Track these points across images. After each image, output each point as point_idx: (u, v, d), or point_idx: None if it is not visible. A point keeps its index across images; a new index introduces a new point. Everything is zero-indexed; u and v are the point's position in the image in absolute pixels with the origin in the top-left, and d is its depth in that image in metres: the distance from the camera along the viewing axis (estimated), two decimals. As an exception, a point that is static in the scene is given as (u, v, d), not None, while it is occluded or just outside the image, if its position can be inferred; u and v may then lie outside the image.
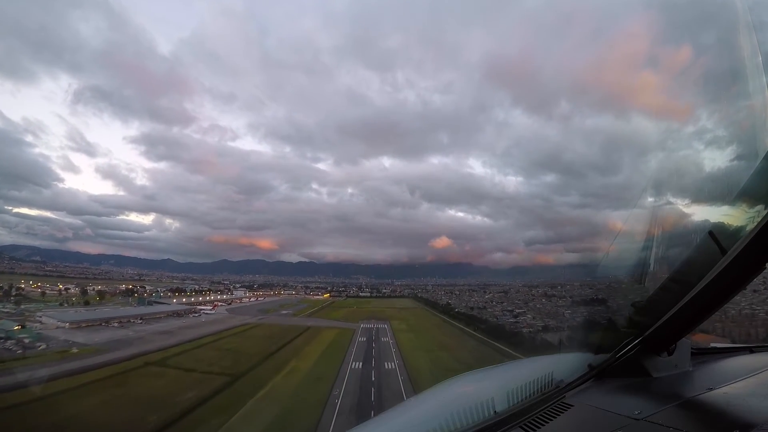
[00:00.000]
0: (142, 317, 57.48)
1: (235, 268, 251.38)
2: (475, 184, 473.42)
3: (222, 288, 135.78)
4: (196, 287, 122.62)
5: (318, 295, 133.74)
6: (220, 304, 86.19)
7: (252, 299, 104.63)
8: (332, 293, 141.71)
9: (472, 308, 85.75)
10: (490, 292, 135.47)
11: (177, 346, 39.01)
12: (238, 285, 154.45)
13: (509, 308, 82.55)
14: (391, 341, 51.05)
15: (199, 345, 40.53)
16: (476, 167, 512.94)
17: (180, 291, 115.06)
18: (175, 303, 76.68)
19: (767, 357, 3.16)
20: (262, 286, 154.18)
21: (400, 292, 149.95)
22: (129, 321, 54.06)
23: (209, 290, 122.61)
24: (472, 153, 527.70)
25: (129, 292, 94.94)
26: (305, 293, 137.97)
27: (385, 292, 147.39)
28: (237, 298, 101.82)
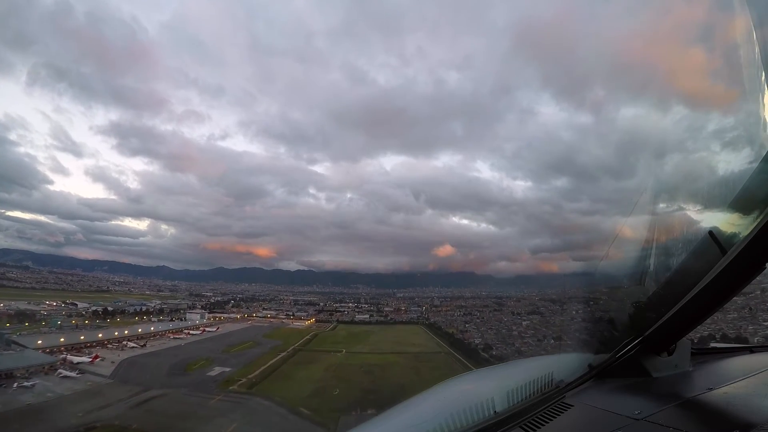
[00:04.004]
0: None
1: (231, 276, 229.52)
2: (481, 188, 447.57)
3: (188, 305, 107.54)
4: (144, 308, 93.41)
5: (302, 318, 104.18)
6: (131, 345, 57.52)
7: (197, 331, 74.76)
8: (322, 313, 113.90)
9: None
10: (516, 312, 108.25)
11: None
12: (218, 298, 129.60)
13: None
14: None
15: None
16: (484, 170, 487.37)
17: (113, 314, 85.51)
18: (42, 348, 47.68)
19: (767, 357, 3.14)
20: (247, 300, 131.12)
21: (405, 311, 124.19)
22: None
23: (163, 311, 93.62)
24: (480, 154, 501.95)
25: (17, 318, 65.61)
26: (286, 315, 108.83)
27: (387, 313, 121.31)
28: (175, 330, 71.98)
